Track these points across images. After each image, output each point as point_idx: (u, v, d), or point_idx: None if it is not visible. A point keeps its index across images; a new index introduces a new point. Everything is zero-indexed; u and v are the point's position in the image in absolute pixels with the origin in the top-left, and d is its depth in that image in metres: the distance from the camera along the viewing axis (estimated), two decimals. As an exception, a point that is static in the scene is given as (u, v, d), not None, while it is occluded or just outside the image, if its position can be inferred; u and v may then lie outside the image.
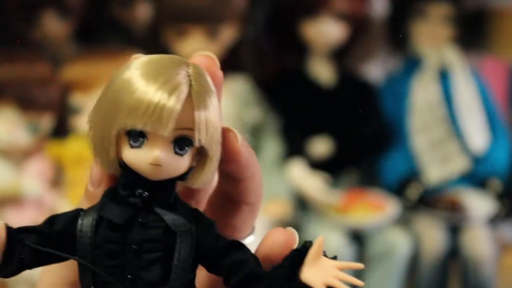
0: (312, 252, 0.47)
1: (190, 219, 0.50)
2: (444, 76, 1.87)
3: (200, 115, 0.48)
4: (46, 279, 0.54)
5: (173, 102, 0.47)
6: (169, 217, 0.49)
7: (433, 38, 1.88)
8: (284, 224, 1.69)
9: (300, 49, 1.84)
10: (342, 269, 0.47)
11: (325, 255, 0.47)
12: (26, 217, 1.52)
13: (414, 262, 1.72)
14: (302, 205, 1.74)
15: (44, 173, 1.58)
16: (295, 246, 0.50)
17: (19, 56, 1.59)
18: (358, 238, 1.71)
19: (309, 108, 1.80)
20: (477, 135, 1.82)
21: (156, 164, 0.48)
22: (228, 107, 1.74)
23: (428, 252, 1.72)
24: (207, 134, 0.49)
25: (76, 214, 0.50)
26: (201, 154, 0.50)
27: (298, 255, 0.47)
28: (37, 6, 1.72)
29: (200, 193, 0.55)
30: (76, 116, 1.61)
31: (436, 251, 1.72)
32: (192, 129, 0.48)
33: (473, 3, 1.95)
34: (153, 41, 1.75)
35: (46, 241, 0.50)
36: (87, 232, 0.49)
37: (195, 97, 0.48)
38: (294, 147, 1.77)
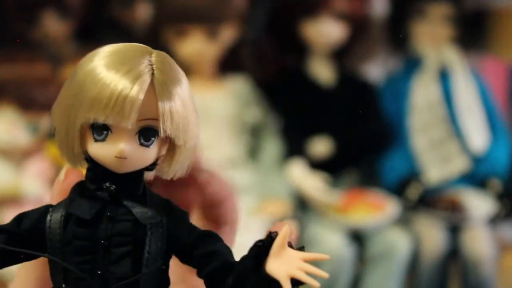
0: (277, 243, 0.47)
1: (160, 211, 0.49)
2: (444, 76, 1.87)
3: (164, 105, 0.47)
4: (21, 275, 0.54)
5: (135, 93, 0.46)
6: (138, 210, 0.48)
7: (433, 38, 1.87)
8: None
9: (300, 49, 1.83)
10: (307, 261, 0.46)
11: (290, 246, 0.47)
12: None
13: (414, 262, 1.72)
14: (302, 205, 1.73)
15: (44, 173, 1.58)
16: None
17: (19, 56, 1.59)
18: (358, 238, 1.71)
19: (309, 108, 1.79)
20: (477, 135, 1.82)
21: (122, 157, 0.48)
22: (228, 107, 1.74)
23: (428, 252, 1.71)
24: (172, 123, 0.48)
25: (45, 210, 0.50)
26: (169, 144, 0.49)
27: (263, 247, 0.47)
28: (37, 6, 1.72)
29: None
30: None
31: (436, 251, 1.72)
32: (157, 119, 0.47)
33: (473, 3, 1.95)
34: (153, 41, 1.75)
35: (14, 240, 0.49)
36: (56, 228, 0.49)
37: (158, 86, 0.47)
38: (294, 147, 1.76)
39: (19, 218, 0.50)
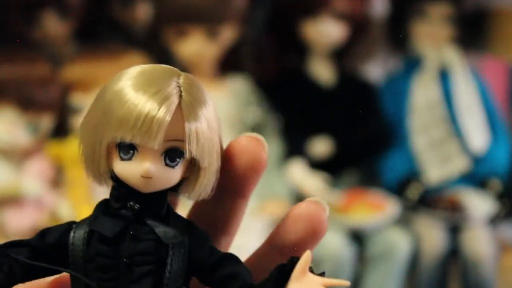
0: (298, 268, 0.47)
1: (183, 231, 0.49)
2: (444, 76, 1.87)
3: (191, 126, 0.47)
4: None
5: (162, 114, 0.46)
6: (161, 229, 0.48)
7: (433, 38, 1.88)
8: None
9: (300, 49, 1.84)
10: (328, 286, 0.46)
11: (311, 271, 0.47)
12: (26, 217, 1.52)
13: (414, 262, 1.72)
14: (302, 205, 1.73)
15: (44, 173, 1.58)
16: (323, 221, 0.51)
17: (19, 56, 1.59)
18: (358, 238, 1.71)
19: (309, 108, 1.79)
20: (477, 135, 1.82)
21: (147, 177, 0.48)
22: (228, 107, 1.74)
23: (428, 252, 1.72)
24: (198, 145, 0.48)
25: (68, 227, 0.50)
26: (194, 165, 0.49)
27: (284, 271, 0.47)
28: (37, 6, 1.72)
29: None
30: (76, 116, 1.61)
31: (436, 251, 1.72)
32: (183, 140, 0.48)
33: (473, 3, 1.95)
34: (153, 41, 1.75)
35: (38, 255, 0.49)
36: (79, 245, 0.49)
37: (185, 108, 0.47)
38: (294, 147, 1.77)
39: (43, 233, 0.51)
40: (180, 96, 0.48)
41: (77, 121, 1.61)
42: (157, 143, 0.47)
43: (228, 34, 1.73)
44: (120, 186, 0.49)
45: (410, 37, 1.90)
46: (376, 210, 1.72)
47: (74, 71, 1.63)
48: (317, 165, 1.75)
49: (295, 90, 1.81)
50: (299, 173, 1.73)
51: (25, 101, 1.54)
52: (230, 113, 1.74)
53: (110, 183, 0.49)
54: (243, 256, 0.51)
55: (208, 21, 1.68)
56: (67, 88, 1.61)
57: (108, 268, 0.48)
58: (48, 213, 1.54)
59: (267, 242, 0.53)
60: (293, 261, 0.47)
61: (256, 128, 1.77)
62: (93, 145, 0.49)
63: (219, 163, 0.50)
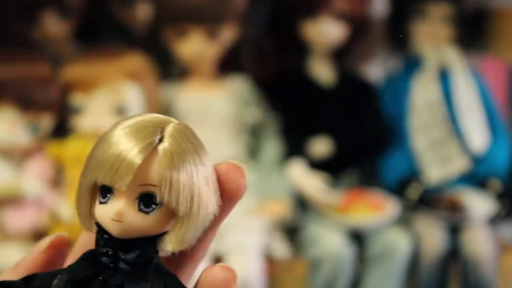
0: None
1: (158, 282, 0.48)
2: (444, 76, 1.87)
3: (165, 172, 0.47)
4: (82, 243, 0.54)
5: (133, 155, 0.46)
6: (130, 278, 0.48)
7: (433, 38, 1.88)
8: (284, 224, 1.69)
9: (300, 49, 1.84)
10: None
11: None
12: (26, 217, 1.52)
13: (414, 262, 1.72)
14: (302, 205, 1.74)
15: (44, 173, 1.58)
16: (235, 286, 0.49)
17: (19, 56, 1.59)
18: (358, 238, 1.71)
19: (309, 108, 1.80)
20: (477, 135, 1.82)
21: (117, 220, 0.48)
22: (228, 107, 1.74)
23: (428, 252, 1.71)
24: (171, 192, 0.47)
25: (56, 273, 0.50)
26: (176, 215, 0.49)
27: None
28: (37, 6, 1.72)
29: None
30: (76, 116, 1.61)
31: (436, 251, 1.72)
32: (157, 186, 0.47)
33: (473, 3, 1.95)
34: (153, 41, 1.75)
35: None
36: None
37: (162, 153, 0.47)
38: (294, 147, 1.77)
39: (31, 277, 0.51)
40: (160, 141, 0.48)
41: (77, 121, 1.61)
42: (125, 184, 0.47)
43: (228, 34, 1.73)
44: (102, 232, 0.49)
45: (410, 37, 1.90)
46: (376, 210, 1.72)
47: (74, 71, 1.63)
48: (317, 165, 1.75)
49: (295, 90, 1.81)
50: (299, 173, 1.73)
51: (25, 101, 1.55)
52: (230, 113, 1.74)
53: (95, 228, 0.49)
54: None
55: (208, 21, 1.69)
56: (67, 88, 1.61)
57: None
58: (48, 213, 1.54)
59: None
60: None
61: (256, 128, 1.77)
62: (79, 187, 0.49)
63: (208, 214, 0.49)
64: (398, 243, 1.69)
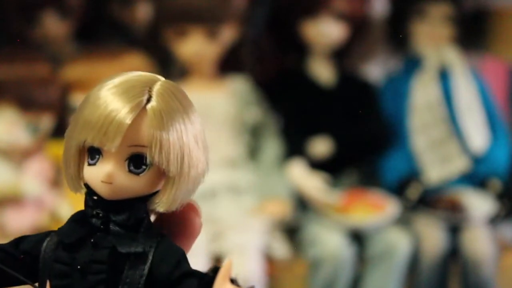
0: (219, 277, 0.46)
1: (150, 243, 0.48)
2: (444, 76, 1.87)
3: (155, 133, 0.47)
4: None
5: (122, 116, 0.46)
6: (122, 239, 0.48)
7: (433, 38, 1.87)
8: (284, 224, 1.69)
9: (300, 49, 1.83)
10: None
11: (233, 282, 0.46)
12: (26, 217, 1.52)
13: (414, 262, 1.72)
14: (302, 205, 1.73)
15: (44, 173, 1.58)
16: None
17: (19, 56, 1.59)
18: (358, 238, 1.71)
19: (309, 108, 1.79)
20: (477, 135, 1.82)
21: (107, 182, 0.47)
22: (228, 107, 1.74)
23: (428, 252, 1.71)
24: (162, 152, 0.47)
25: (45, 235, 0.50)
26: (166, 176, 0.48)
27: (205, 282, 0.47)
28: (37, 6, 1.72)
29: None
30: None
31: (436, 251, 1.72)
32: (147, 147, 0.47)
33: (473, 3, 1.95)
34: (153, 41, 1.75)
35: (9, 260, 0.49)
36: (48, 252, 0.49)
37: (151, 114, 0.47)
38: (294, 147, 1.76)
39: (20, 239, 0.50)
40: (149, 101, 0.47)
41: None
42: (114, 145, 0.46)
43: (228, 34, 1.73)
44: (91, 194, 0.48)
45: (410, 37, 1.90)
46: (376, 210, 1.72)
47: (74, 71, 1.63)
48: (317, 165, 1.75)
49: (295, 90, 1.81)
50: (299, 173, 1.73)
51: (25, 101, 1.55)
52: (230, 113, 1.74)
53: (84, 190, 0.49)
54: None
55: (208, 21, 1.68)
56: (67, 88, 1.61)
57: (63, 275, 0.48)
58: (48, 213, 1.54)
59: None
60: (215, 270, 0.46)
61: (256, 128, 1.77)
62: (66, 149, 0.49)
63: (198, 174, 0.49)
64: (398, 243, 1.69)
